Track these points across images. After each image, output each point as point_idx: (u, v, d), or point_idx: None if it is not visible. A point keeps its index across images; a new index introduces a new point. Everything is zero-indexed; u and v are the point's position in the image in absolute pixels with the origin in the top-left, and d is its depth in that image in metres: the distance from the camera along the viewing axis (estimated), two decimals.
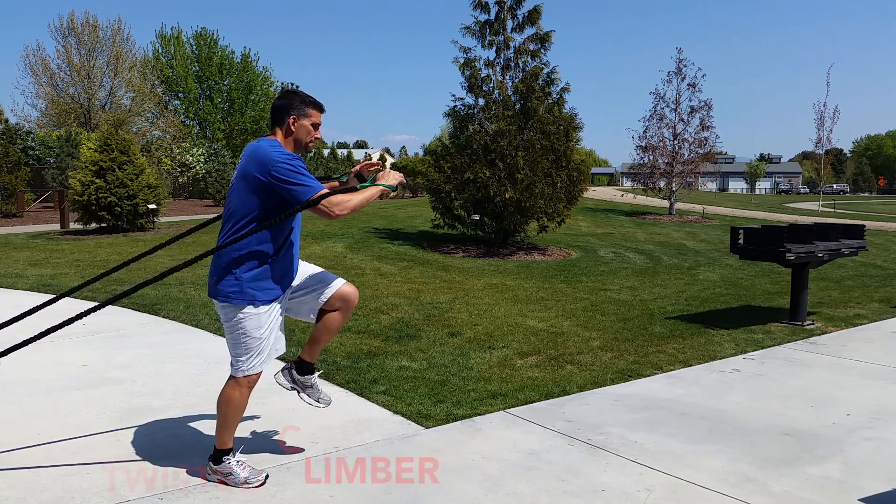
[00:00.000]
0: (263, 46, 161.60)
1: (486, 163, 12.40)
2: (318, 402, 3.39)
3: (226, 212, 3.04)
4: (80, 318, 3.03)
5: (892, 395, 4.60)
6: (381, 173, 3.08)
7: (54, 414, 3.95)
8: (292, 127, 3.03)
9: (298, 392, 3.38)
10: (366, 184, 3.04)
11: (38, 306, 3.22)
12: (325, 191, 2.89)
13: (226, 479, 3.07)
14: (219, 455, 3.10)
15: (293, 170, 2.86)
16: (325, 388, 4.52)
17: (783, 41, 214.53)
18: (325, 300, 3.20)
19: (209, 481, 3.10)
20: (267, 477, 3.11)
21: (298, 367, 3.35)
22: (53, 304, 3.33)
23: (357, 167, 3.35)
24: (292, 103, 3.04)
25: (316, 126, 3.10)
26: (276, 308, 3.07)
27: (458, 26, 19.46)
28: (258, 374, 3.11)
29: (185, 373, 4.81)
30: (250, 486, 3.04)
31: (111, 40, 34.86)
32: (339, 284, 3.22)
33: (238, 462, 3.10)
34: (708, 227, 19.97)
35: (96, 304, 3.19)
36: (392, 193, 3.09)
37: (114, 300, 3.12)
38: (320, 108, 3.11)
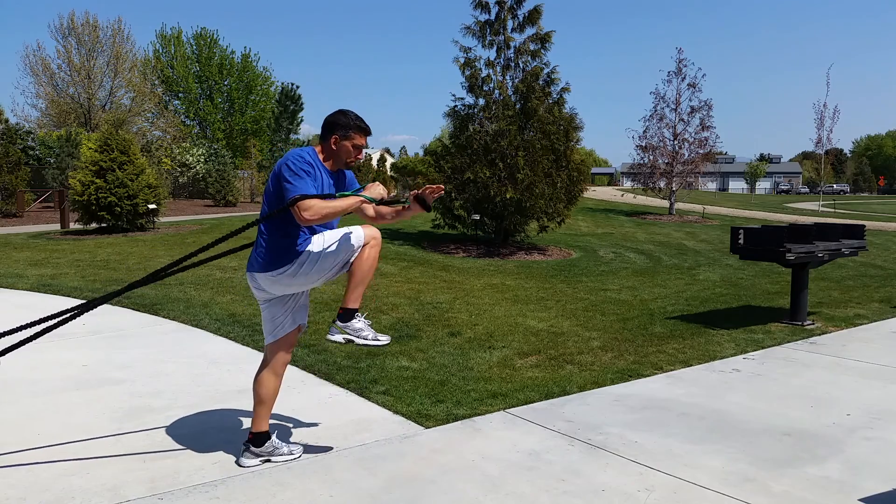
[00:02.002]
0: (263, 47, 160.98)
1: (486, 163, 12.40)
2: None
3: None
4: (74, 318, 3.03)
5: (892, 395, 4.60)
6: (368, 185, 3.19)
7: (54, 414, 3.95)
8: (332, 146, 3.19)
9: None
10: (346, 193, 3.16)
11: (66, 311, 3.21)
12: (303, 194, 2.99)
13: (352, 334, 3.20)
14: (351, 313, 3.23)
15: (293, 171, 3.03)
16: (326, 388, 4.54)
17: (783, 41, 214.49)
18: None
19: (332, 339, 3.25)
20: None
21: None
22: (63, 306, 3.33)
23: (418, 191, 3.31)
24: (338, 123, 3.17)
25: (357, 148, 3.21)
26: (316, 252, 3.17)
27: (459, 26, 19.48)
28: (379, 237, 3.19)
29: (185, 373, 4.81)
30: (378, 341, 3.19)
31: (111, 40, 34.90)
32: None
33: (363, 321, 3.23)
34: (708, 227, 19.97)
35: (86, 301, 3.19)
36: (372, 206, 3.26)
37: (108, 298, 3.12)
38: (365, 132, 3.22)
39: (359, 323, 3.25)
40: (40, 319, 3.15)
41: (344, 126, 3.16)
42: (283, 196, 3.06)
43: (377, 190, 3.16)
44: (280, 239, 3.14)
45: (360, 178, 52.54)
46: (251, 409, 4.05)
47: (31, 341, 3.07)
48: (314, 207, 2.97)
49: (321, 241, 3.15)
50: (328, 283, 3.53)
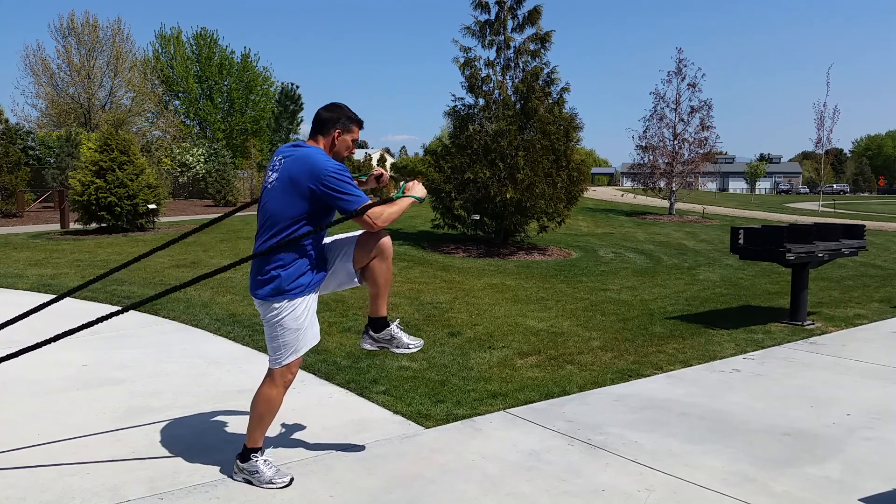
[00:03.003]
0: (263, 47, 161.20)
1: (486, 163, 12.40)
2: (410, 347, 3.35)
3: (265, 214, 3.08)
4: (100, 322, 3.03)
5: (892, 395, 4.60)
6: (409, 185, 3.18)
7: (54, 414, 3.95)
8: (336, 140, 3.15)
9: (388, 349, 3.34)
10: (398, 195, 3.14)
11: (39, 306, 3.22)
12: (370, 202, 3.00)
13: (251, 478, 3.08)
14: (247, 453, 3.12)
15: (344, 181, 2.99)
16: (326, 388, 4.54)
17: (783, 41, 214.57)
18: (353, 259, 3.18)
19: (235, 480, 3.11)
20: (292, 480, 3.11)
21: (373, 326, 3.34)
22: (53, 304, 3.33)
23: (377, 171, 3.48)
24: (339, 118, 3.15)
25: (354, 142, 3.23)
26: (312, 297, 3.14)
27: (459, 26, 19.48)
28: (294, 374, 3.16)
29: (185, 373, 4.81)
30: (274, 486, 3.05)
31: (111, 40, 34.92)
32: (358, 236, 3.23)
33: (265, 461, 3.12)
34: (708, 227, 19.97)
35: (119, 308, 3.19)
36: (419, 204, 3.24)
37: (139, 304, 3.13)
38: (361, 126, 3.23)
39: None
40: (38, 306, 3.15)
41: (345, 120, 3.15)
42: (308, 204, 2.98)
43: (420, 189, 3.16)
44: (275, 262, 3.01)
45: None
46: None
47: (46, 345, 3.07)
48: (384, 214, 3.01)
49: (301, 312, 3.04)
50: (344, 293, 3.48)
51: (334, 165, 3.00)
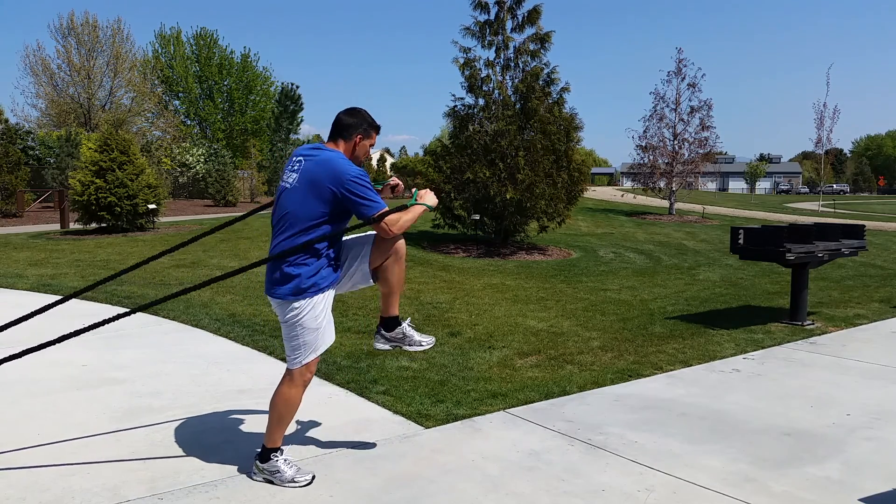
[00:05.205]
0: (263, 47, 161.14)
1: (486, 163, 12.40)
2: (422, 344, 3.42)
3: (281, 213, 3.11)
4: (107, 324, 3.04)
5: (892, 395, 4.60)
6: (421, 192, 3.23)
7: (54, 414, 3.95)
8: (357, 146, 3.21)
9: (400, 347, 3.40)
10: (412, 201, 3.19)
11: (45, 306, 3.22)
12: (387, 209, 3.05)
13: (272, 478, 3.09)
14: (267, 453, 3.13)
15: (365, 186, 3.05)
16: (326, 388, 4.54)
17: (783, 41, 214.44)
18: (369, 260, 3.24)
19: (255, 481, 3.11)
20: (313, 477, 3.13)
21: (386, 326, 3.39)
22: (56, 305, 3.33)
23: (392, 181, 3.50)
24: (361, 124, 3.21)
25: (372, 146, 3.29)
26: (330, 295, 3.17)
27: (458, 27, 19.47)
28: (312, 373, 3.18)
29: (185, 373, 4.81)
30: (297, 484, 3.07)
31: (111, 40, 34.90)
32: (373, 237, 3.28)
33: (286, 461, 3.13)
34: (708, 227, 19.97)
35: (127, 309, 3.20)
36: (430, 212, 3.30)
37: (147, 306, 3.13)
38: (379, 131, 3.31)
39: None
40: (45, 307, 3.15)
41: (366, 126, 3.21)
42: (328, 207, 3.01)
43: (432, 197, 3.23)
44: (293, 262, 3.05)
45: None
46: (251, 409, 4.06)
47: (50, 346, 3.07)
48: (400, 221, 3.08)
49: (320, 311, 3.08)
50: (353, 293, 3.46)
51: (356, 171, 3.04)
